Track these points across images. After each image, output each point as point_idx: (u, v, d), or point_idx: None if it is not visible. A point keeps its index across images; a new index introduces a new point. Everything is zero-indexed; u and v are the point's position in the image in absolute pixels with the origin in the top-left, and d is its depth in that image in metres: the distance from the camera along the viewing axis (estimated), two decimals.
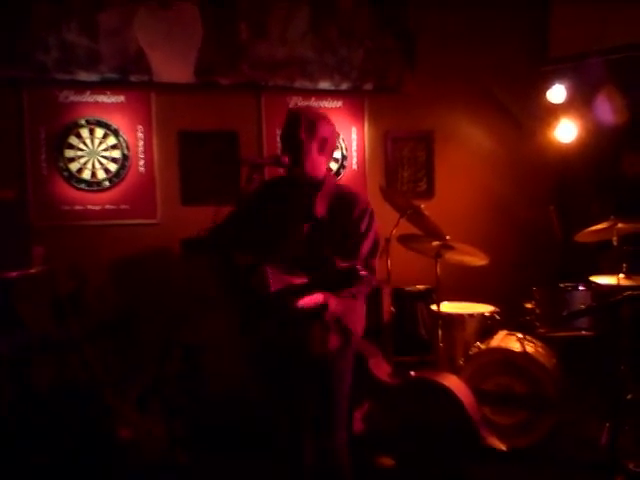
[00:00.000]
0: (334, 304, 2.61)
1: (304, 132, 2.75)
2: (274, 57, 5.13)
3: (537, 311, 4.35)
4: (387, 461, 3.39)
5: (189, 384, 4.34)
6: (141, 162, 4.95)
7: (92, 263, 4.61)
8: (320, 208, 2.78)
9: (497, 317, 4.44)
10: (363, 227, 2.70)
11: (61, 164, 4.76)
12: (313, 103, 5.32)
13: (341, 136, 5.31)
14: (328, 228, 2.74)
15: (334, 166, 5.34)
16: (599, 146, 5.38)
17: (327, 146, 2.80)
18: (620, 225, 4.13)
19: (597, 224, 4.23)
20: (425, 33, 5.48)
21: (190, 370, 4.39)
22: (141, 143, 4.94)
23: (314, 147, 2.76)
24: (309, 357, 2.82)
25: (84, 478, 3.65)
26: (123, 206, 4.90)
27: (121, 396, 4.00)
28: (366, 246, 2.68)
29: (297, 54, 5.19)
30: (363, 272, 2.44)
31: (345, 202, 2.77)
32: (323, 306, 2.59)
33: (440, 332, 4.17)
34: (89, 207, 4.83)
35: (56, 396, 4.07)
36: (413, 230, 4.33)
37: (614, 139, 5.34)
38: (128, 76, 4.82)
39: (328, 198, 2.79)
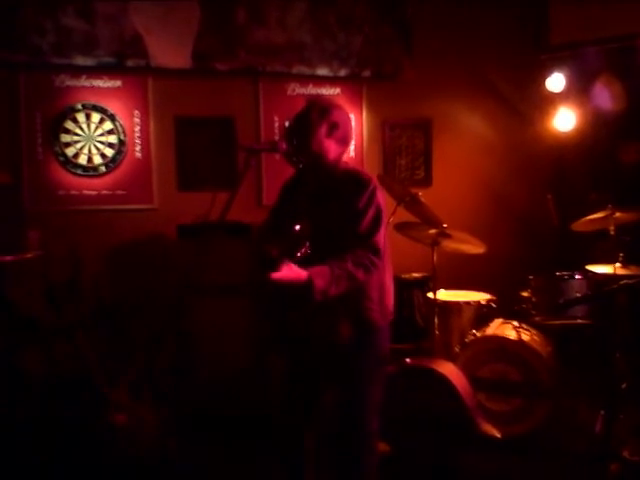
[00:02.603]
0: (322, 283, 2.49)
1: (315, 113, 2.75)
2: (272, 43, 5.11)
3: (533, 299, 4.35)
4: (382, 447, 3.39)
5: (183, 371, 4.33)
6: (137, 147, 4.93)
7: (88, 248, 4.60)
8: (325, 193, 2.78)
9: (493, 305, 4.44)
10: (361, 204, 2.65)
11: (57, 149, 4.74)
12: (311, 89, 5.30)
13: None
14: (328, 212, 2.72)
15: None
16: (597, 135, 5.38)
17: (337, 132, 2.77)
18: (617, 214, 4.13)
19: (594, 213, 4.22)
20: (424, 21, 5.46)
21: (184, 357, 4.39)
22: (138, 128, 4.92)
23: (323, 129, 2.74)
24: (322, 349, 2.80)
25: (77, 465, 3.64)
26: (119, 191, 4.88)
27: (114, 383, 3.99)
28: (365, 224, 2.64)
29: (295, 40, 5.16)
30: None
31: (345, 182, 2.74)
32: (308, 283, 2.47)
33: (436, 320, 4.16)
34: (85, 192, 4.82)
35: (48, 382, 4.06)
36: (410, 218, 4.32)
37: (612, 128, 5.33)
38: (125, 61, 4.79)
39: (332, 180, 2.78)
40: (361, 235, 2.63)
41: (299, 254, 2.37)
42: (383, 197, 2.74)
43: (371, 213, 2.65)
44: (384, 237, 2.71)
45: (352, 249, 2.60)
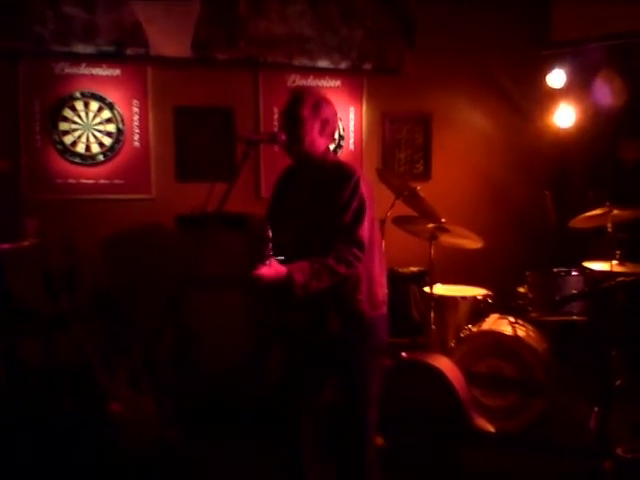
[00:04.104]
0: (301, 278, 2.52)
1: (308, 110, 2.74)
2: (273, 34, 5.09)
3: (530, 295, 4.36)
4: (377, 440, 3.39)
5: (181, 363, 4.33)
6: (136, 137, 4.91)
7: (85, 238, 4.59)
8: (311, 188, 2.78)
9: (489, 300, 4.44)
10: (345, 197, 2.65)
11: (55, 137, 4.72)
12: (311, 81, 5.29)
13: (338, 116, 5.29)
14: (316, 206, 2.72)
15: (331, 146, 5.31)
16: (596, 132, 5.37)
17: (328, 128, 2.80)
18: (615, 212, 4.12)
19: (592, 210, 4.22)
20: (425, 15, 5.44)
21: (183, 349, 4.38)
22: (136, 117, 4.90)
23: (315, 126, 2.75)
24: (314, 343, 2.81)
25: (74, 454, 3.64)
26: (117, 181, 4.87)
27: (112, 373, 3.99)
28: (348, 216, 2.64)
29: (296, 32, 5.14)
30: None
31: (328, 175, 2.75)
32: (288, 278, 2.51)
33: (432, 314, 4.17)
34: (83, 181, 4.80)
35: (46, 374, 4.06)
36: (408, 212, 4.32)
37: (611, 125, 5.33)
38: (124, 49, 4.76)
39: (321, 174, 2.78)
40: (344, 227, 2.63)
41: (268, 255, 2.46)
42: (368, 188, 2.72)
43: (354, 205, 2.65)
44: (369, 228, 2.70)
45: (335, 242, 2.61)
